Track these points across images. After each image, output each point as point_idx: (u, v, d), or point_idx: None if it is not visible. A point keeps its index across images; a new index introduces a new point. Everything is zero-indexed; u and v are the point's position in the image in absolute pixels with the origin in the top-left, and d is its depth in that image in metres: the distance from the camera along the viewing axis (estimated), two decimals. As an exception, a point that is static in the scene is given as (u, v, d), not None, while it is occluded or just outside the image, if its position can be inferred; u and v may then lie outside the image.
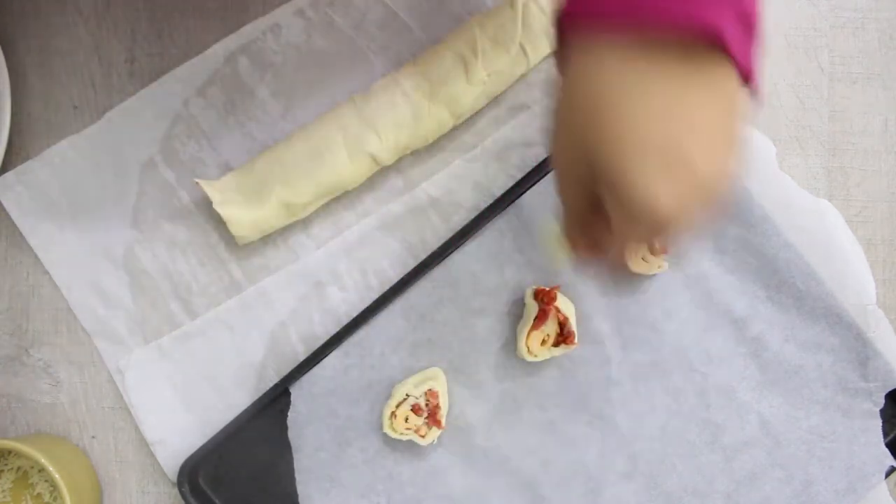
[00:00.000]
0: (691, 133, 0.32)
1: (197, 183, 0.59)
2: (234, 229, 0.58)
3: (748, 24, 0.32)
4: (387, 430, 0.57)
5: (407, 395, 0.57)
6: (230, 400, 0.60)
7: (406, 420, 0.57)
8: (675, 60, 0.31)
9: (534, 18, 0.61)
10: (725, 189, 0.34)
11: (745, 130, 0.35)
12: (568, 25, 0.34)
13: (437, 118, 0.60)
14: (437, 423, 0.57)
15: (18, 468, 0.59)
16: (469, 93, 0.60)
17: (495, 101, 0.63)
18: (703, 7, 0.30)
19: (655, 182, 0.32)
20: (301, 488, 0.59)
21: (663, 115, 0.31)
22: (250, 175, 0.59)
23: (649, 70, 0.32)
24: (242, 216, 0.58)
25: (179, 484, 0.58)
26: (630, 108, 0.32)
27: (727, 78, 0.32)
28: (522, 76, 0.63)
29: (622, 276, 0.55)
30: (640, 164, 0.32)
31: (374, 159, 0.59)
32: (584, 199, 0.37)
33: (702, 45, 0.31)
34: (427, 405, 0.57)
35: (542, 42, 0.61)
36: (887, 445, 0.60)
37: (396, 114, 0.59)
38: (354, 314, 0.60)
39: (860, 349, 0.60)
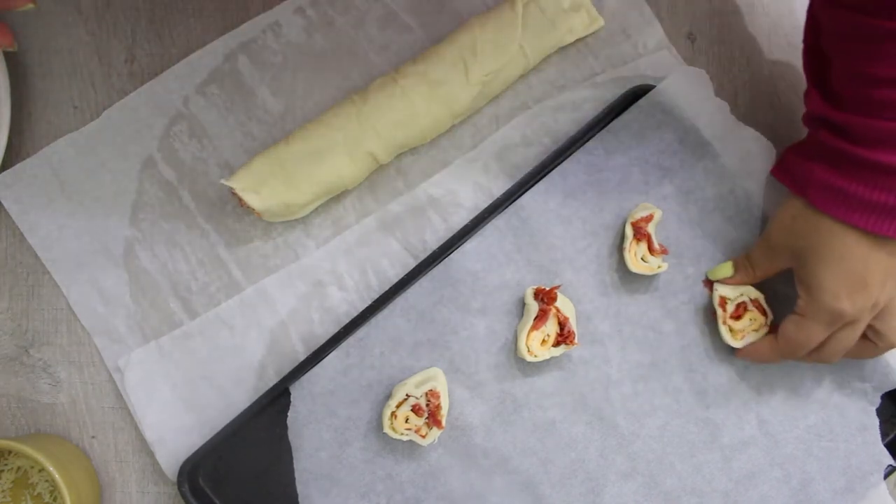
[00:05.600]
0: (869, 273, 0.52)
1: (222, 183, 0.58)
2: (258, 203, 0.58)
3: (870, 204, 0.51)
4: (387, 430, 0.57)
5: (407, 395, 0.57)
6: (230, 400, 0.60)
7: (406, 420, 0.57)
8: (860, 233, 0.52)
9: (533, 19, 0.61)
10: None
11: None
12: (817, 197, 0.52)
13: (436, 117, 0.60)
14: (438, 424, 0.57)
15: (18, 468, 0.59)
16: (468, 92, 0.60)
17: (495, 100, 0.63)
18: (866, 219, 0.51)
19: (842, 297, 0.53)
20: (301, 488, 0.59)
21: (856, 259, 0.52)
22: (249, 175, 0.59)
23: (848, 232, 0.52)
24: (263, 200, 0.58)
25: (179, 484, 0.58)
26: (839, 247, 0.52)
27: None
28: (522, 76, 0.63)
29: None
30: (834, 284, 0.53)
31: (374, 157, 0.59)
32: (770, 271, 0.58)
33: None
34: (428, 405, 0.57)
35: (541, 43, 0.61)
36: (886, 445, 0.60)
37: (395, 112, 0.59)
38: (354, 314, 0.60)
39: (859, 349, 0.60)
